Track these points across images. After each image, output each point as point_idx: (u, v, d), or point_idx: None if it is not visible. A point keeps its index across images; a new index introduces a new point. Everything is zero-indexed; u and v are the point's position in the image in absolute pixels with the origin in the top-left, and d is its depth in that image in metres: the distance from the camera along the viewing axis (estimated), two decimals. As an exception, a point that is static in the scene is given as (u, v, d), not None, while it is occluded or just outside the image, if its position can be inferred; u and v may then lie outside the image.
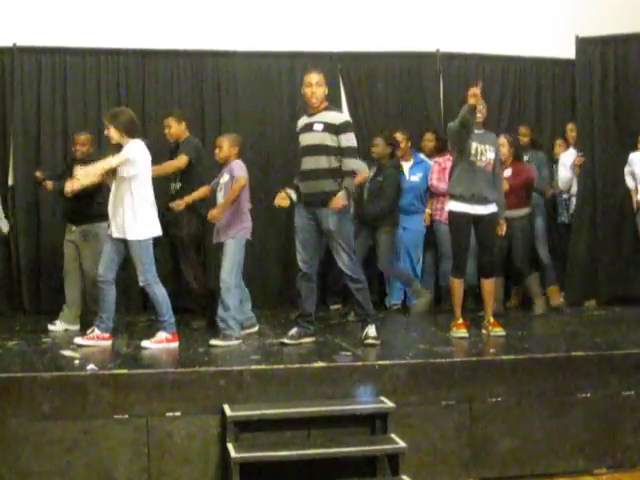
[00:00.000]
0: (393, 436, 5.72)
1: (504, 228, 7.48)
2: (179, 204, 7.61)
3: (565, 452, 6.25)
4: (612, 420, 6.33)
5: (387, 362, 6.16)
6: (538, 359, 6.39)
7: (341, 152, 6.75)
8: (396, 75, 10.02)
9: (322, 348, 6.84)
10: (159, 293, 6.90)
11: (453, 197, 7.27)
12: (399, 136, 9.04)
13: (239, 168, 7.35)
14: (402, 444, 5.61)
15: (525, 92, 10.26)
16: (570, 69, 9.94)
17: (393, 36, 9.76)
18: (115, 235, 6.86)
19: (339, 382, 6.00)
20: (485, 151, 7.20)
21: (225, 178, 7.40)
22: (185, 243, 7.84)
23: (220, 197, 7.42)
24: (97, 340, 6.90)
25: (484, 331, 7.37)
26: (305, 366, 6.08)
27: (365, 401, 5.94)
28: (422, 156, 9.34)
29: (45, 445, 5.62)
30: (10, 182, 9.20)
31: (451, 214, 7.31)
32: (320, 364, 6.11)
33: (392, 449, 5.62)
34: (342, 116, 6.94)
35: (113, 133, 6.84)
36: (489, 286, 7.40)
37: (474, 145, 7.17)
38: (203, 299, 7.97)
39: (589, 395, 6.29)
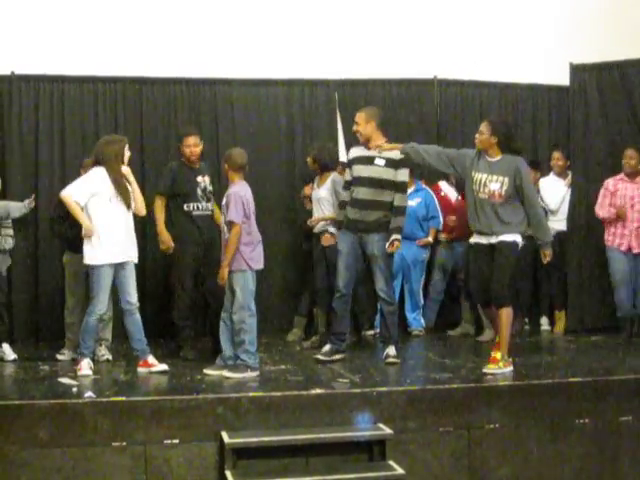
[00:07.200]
0: (391, 463, 5.72)
1: (548, 255, 6.92)
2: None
3: (562, 478, 6.25)
4: (610, 446, 6.33)
5: (385, 389, 6.18)
6: (535, 385, 6.40)
7: (395, 187, 7.21)
8: (393, 102, 10.02)
9: (320, 375, 6.85)
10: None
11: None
12: None
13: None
14: (400, 471, 5.61)
15: (521, 119, 10.28)
16: (565, 96, 9.98)
17: (390, 63, 9.81)
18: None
19: (337, 409, 6.01)
20: (490, 182, 6.77)
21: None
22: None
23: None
24: (86, 370, 6.83)
25: None
26: (303, 393, 6.08)
27: (363, 428, 5.94)
28: (423, 184, 9.38)
29: (42, 473, 5.61)
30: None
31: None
32: (318, 391, 6.11)
33: (390, 476, 5.61)
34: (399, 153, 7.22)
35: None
36: (501, 317, 6.81)
37: (476, 176, 6.84)
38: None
39: (587, 421, 6.29)
